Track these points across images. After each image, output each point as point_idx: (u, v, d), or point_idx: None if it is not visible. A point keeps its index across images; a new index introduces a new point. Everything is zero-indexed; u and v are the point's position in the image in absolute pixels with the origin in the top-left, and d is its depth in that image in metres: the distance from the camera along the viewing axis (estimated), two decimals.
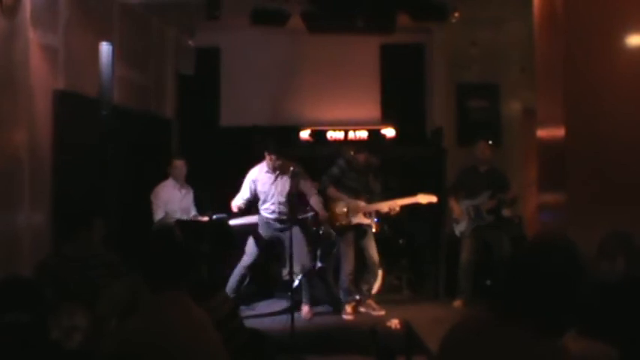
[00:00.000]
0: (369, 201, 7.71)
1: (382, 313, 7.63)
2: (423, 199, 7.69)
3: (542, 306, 2.15)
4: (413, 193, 7.71)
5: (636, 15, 5.48)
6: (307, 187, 7.56)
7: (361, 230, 7.71)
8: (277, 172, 7.45)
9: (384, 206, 7.68)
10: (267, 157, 7.41)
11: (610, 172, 5.36)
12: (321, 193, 7.77)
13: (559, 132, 5.56)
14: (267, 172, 7.48)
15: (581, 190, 5.40)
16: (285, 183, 7.44)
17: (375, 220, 8.24)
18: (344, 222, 7.63)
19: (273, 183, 7.47)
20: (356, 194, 7.66)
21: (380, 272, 7.92)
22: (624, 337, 2.96)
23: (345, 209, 7.63)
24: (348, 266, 7.65)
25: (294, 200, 7.46)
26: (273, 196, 7.49)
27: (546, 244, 2.30)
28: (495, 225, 7.94)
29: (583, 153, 5.43)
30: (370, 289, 7.84)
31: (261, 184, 7.49)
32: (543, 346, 2.11)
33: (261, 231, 7.54)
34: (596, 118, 5.43)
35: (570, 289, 2.16)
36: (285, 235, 7.31)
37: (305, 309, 7.57)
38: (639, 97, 5.40)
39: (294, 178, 7.29)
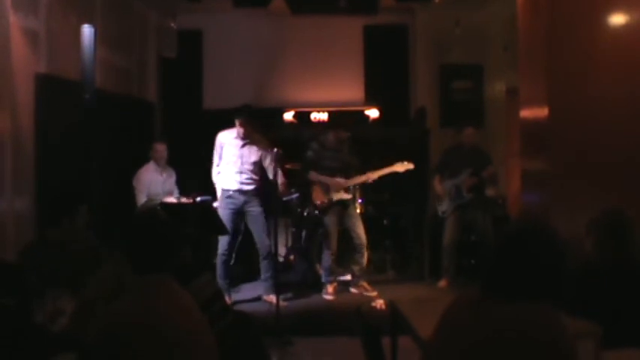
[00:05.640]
0: (347, 176, 7.74)
1: (375, 294, 7.58)
2: (400, 167, 7.70)
3: (533, 282, 2.22)
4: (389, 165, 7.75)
5: None
6: (268, 162, 7.35)
7: (344, 205, 7.72)
8: (246, 140, 7.31)
9: (362, 178, 7.72)
10: (237, 124, 7.28)
11: (593, 152, 5.39)
12: (304, 179, 7.82)
13: (542, 112, 5.58)
14: (236, 137, 7.33)
15: (564, 169, 5.43)
16: (252, 152, 7.35)
17: (360, 200, 8.32)
18: (325, 200, 7.65)
19: (241, 148, 7.33)
20: (334, 172, 7.70)
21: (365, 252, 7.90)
22: (607, 315, 2.99)
23: (324, 189, 7.66)
24: (331, 245, 7.67)
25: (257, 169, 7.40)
26: (239, 161, 7.32)
27: (528, 226, 2.37)
28: (477, 204, 7.97)
29: (566, 133, 5.46)
30: (362, 269, 7.81)
31: (228, 146, 7.36)
32: (542, 317, 2.17)
33: (222, 209, 7.28)
34: (580, 97, 5.45)
35: (556, 266, 2.23)
36: (246, 210, 7.32)
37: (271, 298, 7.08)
38: (622, 76, 5.42)
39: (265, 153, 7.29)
